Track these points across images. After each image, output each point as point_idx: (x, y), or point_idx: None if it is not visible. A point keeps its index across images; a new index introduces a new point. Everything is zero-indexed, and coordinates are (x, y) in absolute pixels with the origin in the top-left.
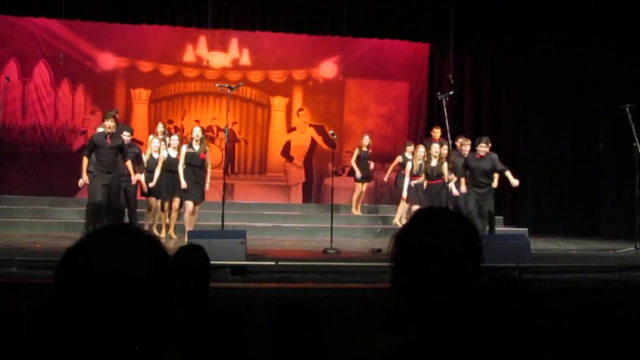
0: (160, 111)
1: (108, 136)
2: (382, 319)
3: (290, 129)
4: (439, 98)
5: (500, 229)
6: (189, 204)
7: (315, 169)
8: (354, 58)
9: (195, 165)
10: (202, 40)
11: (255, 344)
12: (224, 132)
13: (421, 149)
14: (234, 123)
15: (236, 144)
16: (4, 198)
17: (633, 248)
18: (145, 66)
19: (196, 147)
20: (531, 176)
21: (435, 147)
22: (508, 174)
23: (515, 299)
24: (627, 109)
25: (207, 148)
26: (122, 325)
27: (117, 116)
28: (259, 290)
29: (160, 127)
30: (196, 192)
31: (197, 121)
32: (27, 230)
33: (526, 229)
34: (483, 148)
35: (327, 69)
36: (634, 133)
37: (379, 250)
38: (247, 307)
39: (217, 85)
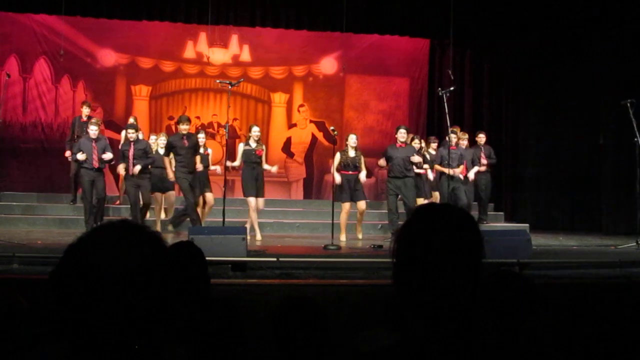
0: (161, 107)
1: (184, 137)
2: (384, 315)
3: (291, 125)
4: (440, 94)
5: (501, 224)
6: (253, 201)
7: (315, 165)
8: (354, 54)
9: (254, 162)
10: (203, 37)
11: (257, 340)
12: (225, 129)
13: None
14: (235, 119)
15: (237, 140)
16: (5, 194)
17: (634, 244)
18: (146, 62)
19: (253, 144)
20: (532, 172)
21: (352, 138)
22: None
23: (516, 295)
24: (628, 105)
25: (263, 146)
26: (124, 320)
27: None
28: (260, 287)
29: (131, 120)
30: (260, 189)
31: (198, 117)
32: (27, 226)
33: (527, 224)
34: (403, 136)
35: (328, 65)
36: (635, 129)
37: (380, 247)
38: (248, 303)
39: (217, 81)
